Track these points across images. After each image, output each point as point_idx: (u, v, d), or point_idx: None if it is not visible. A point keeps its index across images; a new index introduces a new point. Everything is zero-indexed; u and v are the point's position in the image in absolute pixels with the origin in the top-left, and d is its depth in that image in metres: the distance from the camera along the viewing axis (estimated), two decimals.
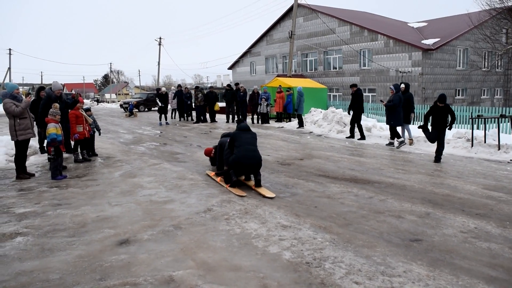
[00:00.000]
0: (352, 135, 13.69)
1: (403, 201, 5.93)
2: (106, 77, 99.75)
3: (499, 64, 30.09)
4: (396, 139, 11.86)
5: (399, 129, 11.99)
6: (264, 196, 6.15)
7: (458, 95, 29.46)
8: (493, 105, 27.91)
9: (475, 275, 3.59)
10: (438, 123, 9.41)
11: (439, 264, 3.82)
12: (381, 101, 13.07)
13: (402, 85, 11.93)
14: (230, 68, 46.40)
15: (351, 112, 13.44)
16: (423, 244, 4.31)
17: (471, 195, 6.27)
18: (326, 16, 32.36)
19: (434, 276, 3.55)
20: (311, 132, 15.60)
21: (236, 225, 4.85)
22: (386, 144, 12.00)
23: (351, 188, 6.66)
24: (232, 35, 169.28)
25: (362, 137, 13.32)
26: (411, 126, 12.23)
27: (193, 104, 19.74)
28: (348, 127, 14.13)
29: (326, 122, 15.89)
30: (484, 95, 30.85)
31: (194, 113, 20.61)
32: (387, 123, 12.12)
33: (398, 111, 11.46)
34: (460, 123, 16.40)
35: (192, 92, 21.68)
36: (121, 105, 32.72)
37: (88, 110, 9.64)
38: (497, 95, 31.99)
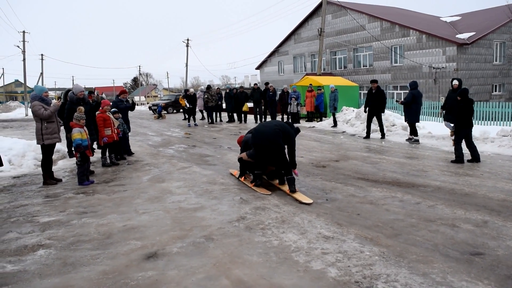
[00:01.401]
0: (368, 135, 13.07)
1: (455, 207, 5.38)
2: (135, 80, 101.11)
3: None
4: (412, 136, 11.88)
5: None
6: (300, 202, 5.71)
7: (495, 91, 28.20)
8: None
9: None
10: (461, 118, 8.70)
11: (509, 282, 3.29)
12: (397, 101, 13.13)
13: (455, 82, 10.96)
14: (257, 68, 46.06)
15: (367, 110, 12.97)
16: (487, 258, 3.78)
17: None
18: (356, 12, 31.59)
19: None
20: (344, 131, 15.03)
21: (273, 236, 4.42)
22: (406, 140, 12.02)
23: (394, 193, 6.14)
24: (259, 35, 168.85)
25: (383, 135, 12.95)
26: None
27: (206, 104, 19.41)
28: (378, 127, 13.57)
29: (359, 121, 15.26)
30: None
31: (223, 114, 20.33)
32: (405, 121, 12.38)
33: (413, 108, 11.56)
34: (501, 120, 15.49)
35: (223, 92, 21.42)
36: (150, 107, 32.84)
37: (115, 112, 9.42)
38: None
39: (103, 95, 18.21)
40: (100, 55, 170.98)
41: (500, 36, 27.74)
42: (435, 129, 13.09)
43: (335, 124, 16.40)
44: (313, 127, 17.03)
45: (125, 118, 10.12)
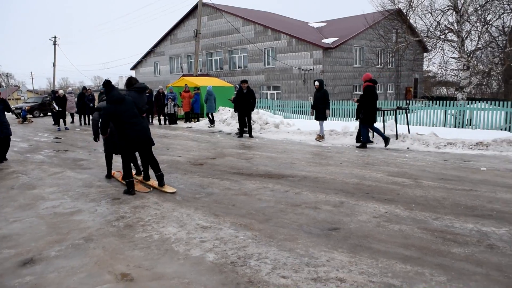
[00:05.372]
0: (241, 134, 13.60)
1: (317, 192, 6.09)
2: None
3: (391, 61, 32.62)
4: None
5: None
6: (166, 192, 6.27)
7: (356, 91, 31.38)
8: (386, 99, 30.11)
9: (392, 256, 3.76)
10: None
11: (359, 249, 3.94)
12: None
13: (316, 83, 12.21)
14: (132, 68, 44.79)
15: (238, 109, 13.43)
16: (341, 232, 4.44)
17: (378, 182, 6.64)
18: (231, 15, 32.58)
19: (356, 261, 3.66)
20: (220, 131, 15.56)
21: (154, 231, 4.60)
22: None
23: (266, 184, 6.70)
24: (134, 35, 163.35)
25: (250, 134, 13.36)
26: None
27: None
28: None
29: (235, 120, 15.93)
30: (379, 90, 33.21)
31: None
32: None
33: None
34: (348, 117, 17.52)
35: (95, 95, 20.50)
36: (12, 111, 29.86)
37: None
38: (389, 90, 34.66)
39: None
40: None
41: (359, 41, 30.98)
42: (303, 126, 14.30)
43: (212, 123, 16.87)
44: (191, 127, 17.30)
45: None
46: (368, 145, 10.72)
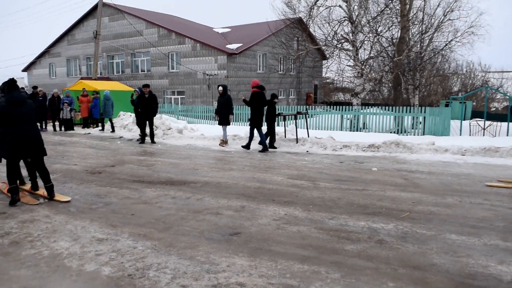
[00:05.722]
0: (143, 140, 13.24)
1: (219, 198, 6.11)
2: None
3: (292, 68, 33.95)
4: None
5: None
6: (60, 202, 5.91)
7: None
8: (289, 104, 31.29)
9: (290, 257, 3.88)
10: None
11: (259, 253, 4.01)
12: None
13: (220, 88, 12.29)
14: (24, 70, 41.32)
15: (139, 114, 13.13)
16: (242, 236, 4.48)
17: (279, 185, 6.85)
18: (133, 17, 31.57)
19: (256, 265, 3.72)
20: (121, 137, 14.97)
21: (44, 247, 4.25)
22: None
23: (167, 191, 6.56)
24: (27, 33, 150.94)
25: (152, 140, 13.12)
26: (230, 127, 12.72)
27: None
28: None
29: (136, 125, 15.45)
30: (281, 96, 34.39)
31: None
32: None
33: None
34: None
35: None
36: None
37: None
38: (291, 95, 36.06)
39: None
40: None
41: (263, 48, 31.81)
42: (207, 131, 14.30)
43: (112, 129, 16.18)
44: (89, 133, 16.42)
45: None
46: (270, 149, 11.05)
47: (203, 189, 6.69)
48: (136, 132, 14.91)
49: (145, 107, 12.80)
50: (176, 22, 36.26)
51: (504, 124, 16.88)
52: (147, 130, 13.20)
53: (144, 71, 32.49)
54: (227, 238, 4.44)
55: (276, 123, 12.14)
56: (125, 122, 16.42)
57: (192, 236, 4.50)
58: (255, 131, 11.18)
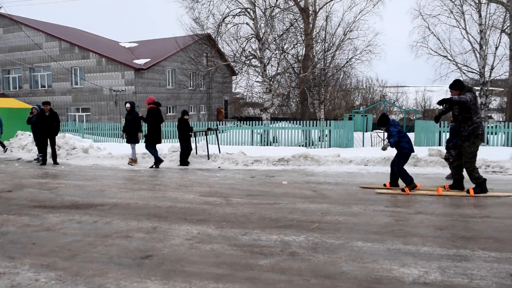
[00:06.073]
0: (44, 161, 12.36)
1: (129, 220, 5.87)
2: None
3: (202, 83, 33.99)
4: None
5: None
6: None
7: (169, 112, 31.70)
8: (200, 120, 31.23)
9: (204, 277, 3.83)
10: None
11: (172, 275, 3.91)
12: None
13: (127, 105, 11.94)
14: None
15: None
16: (154, 259, 4.34)
17: (191, 203, 6.77)
18: (31, 29, 29.50)
19: None
20: (19, 158, 13.84)
21: None
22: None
23: (72, 216, 6.17)
24: None
25: (55, 161, 12.37)
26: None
27: None
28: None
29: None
30: (192, 111, 34.22)
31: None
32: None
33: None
34: (172, 138, 17.74)
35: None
36: None
37: None
38: (202, 111, 36.03)
39: None
40: None
41: (171, 63, 31.48)
42: (115, 150, 13.74)
43: (4, 150, 14.89)
44: None
45: None
46: (184, 166, 10.95)
47: (111, 211, 6.38)
48: (36, 153, 13.87)
49: (46, 126, 11.98)
50: (79, 35, 34.64)
51: None
52: (49, 150, 12.35)
53: (45, 87, 30.50)
54: (139, 262, 4.27)
55: (192, 139, 12.01)
56: (24, 142, 15.23)
57: (101, 263, 4.26)
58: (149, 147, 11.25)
